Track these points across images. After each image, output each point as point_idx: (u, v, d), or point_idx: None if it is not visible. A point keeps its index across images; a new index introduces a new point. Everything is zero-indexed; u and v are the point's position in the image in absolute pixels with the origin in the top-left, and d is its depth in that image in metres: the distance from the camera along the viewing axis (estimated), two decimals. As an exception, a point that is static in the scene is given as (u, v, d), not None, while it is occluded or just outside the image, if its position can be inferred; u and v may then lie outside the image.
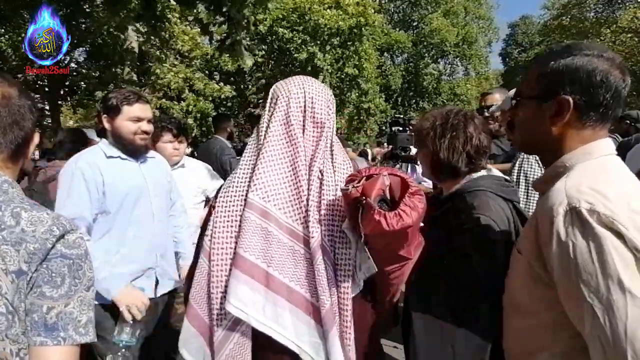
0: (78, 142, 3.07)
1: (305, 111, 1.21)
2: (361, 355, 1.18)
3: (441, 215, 1.43)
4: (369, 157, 9.49)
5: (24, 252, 0.80)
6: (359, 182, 1.04)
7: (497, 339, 1.26)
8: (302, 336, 1.14)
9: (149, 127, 2.05)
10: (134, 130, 1.99)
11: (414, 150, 2.67)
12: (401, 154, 2.84)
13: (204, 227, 1.27)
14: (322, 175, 1.17)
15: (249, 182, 1.18)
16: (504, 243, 1.27)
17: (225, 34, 4.40)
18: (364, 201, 1.01)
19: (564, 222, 0.84)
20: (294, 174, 1.17)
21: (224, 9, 4.10)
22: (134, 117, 1.99)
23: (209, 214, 1.26)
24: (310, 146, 1.20)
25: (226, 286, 1.16)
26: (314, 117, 1.21)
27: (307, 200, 1.15)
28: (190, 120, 11.72)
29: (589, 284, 0.80)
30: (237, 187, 1.21)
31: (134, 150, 2.03)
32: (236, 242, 1.16)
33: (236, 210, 1.18)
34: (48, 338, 0.80)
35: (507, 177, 1.52)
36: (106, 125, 2.00)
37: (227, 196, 1.20)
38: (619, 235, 0.78)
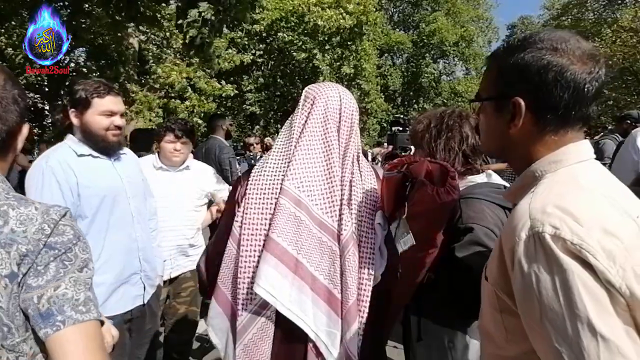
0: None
1: (340, 114, 1.30)
2: (366, 347, 1.22)
3: None
4: (369, 158, 9.47)
5: (15, 253, 0.76)
6: (402, 167, 1.17)
7: None
8: (320, 325, 1.18)
9: (122, 122, 1.90)
10: (106, 126, 1.82)
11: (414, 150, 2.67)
12: (401, 154, 2.84)
13: (230, 216, 1.31)
14: (352, 176, 1.26)
15: (285, 172, 1.23)
16: None
17: (195, 35, 4.32)
18: (415, 180, 1.12)
19: (526, 250, 0.72)
20: (327, 170, 1.24)
21: (199, 9, 4.04)
22: (106, 111, 1.82)
23: (236, 196, 1.31)
24: (343, 148, 1.28)
25: (254, 271, 1.20)
26: (346, 121, 1.30)
27: (341, 196, 1.22)
28: (197, 119, 11.71)
29: (555, 325, 0.68)
30: (269, 176, 1.26)
31: (106, 148, 1.87)
32: (268, 228, 1.20)
33: (268, 198, 1.24)
34: (47, 327, 0.75)
35: (506, 184, 1.50)
36: (74, 120, 1.82)
37: (259, 184, 1.26)
38: (588, 266, 0.66)
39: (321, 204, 1.22)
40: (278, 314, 1.19)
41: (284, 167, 1.25)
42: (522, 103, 0.82)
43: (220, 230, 1.35)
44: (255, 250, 1.22)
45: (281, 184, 1.22)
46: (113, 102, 1.86)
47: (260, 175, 1.27)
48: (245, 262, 1.22)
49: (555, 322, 0.68)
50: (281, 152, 1.29)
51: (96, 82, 1.87)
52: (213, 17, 4.09)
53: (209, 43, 4.41)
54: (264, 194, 1.24)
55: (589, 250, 0.66)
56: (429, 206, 1.12)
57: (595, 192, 0.75)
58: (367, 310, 1.19)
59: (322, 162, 1.25)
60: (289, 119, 1.34)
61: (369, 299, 1.20)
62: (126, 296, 1.88)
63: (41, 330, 0.76)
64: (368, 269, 1.20)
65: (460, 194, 1.40)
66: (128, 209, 1.92)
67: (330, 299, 1.19)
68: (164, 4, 4.34)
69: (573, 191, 0.76)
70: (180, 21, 4.18)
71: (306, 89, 1.37)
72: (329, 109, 1.29)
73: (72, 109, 1.82)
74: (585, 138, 0.87)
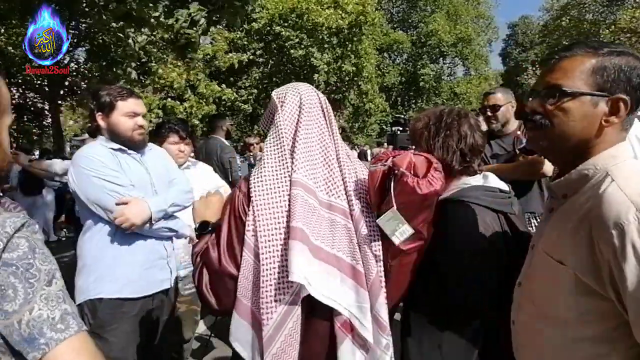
0: None
1: (322, 106, 1.36)
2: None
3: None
4: (369, 158, 9.49)
5: None
6: (386, 161, 1.18)
7: (486, 345, 1.28)
8: (350, 301, 1.21)
9: (145, 122, 2.05)
10: (132, 127, 1.98)
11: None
12: (401, 154, 2.84)
13: (236, 222, 1.26)
14: (345, 158, 1.32)
15: (290, 167, 1.26)
16: (483, 257, 1.28)
17: (181, 35, 4.29)
18: (397, 171, 1.14)
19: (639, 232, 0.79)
20: (324, 157, 1.29)
21: (189, 11, 4.03)
22: (130, 112, 1.97)
23: (237, 207, 1.27)
24: (333, 135, 1.34)
25: (276, 279, 1.20)
26: (328, 113, 1.36)
27: (343, 177, 1.27)
28: (195, 121, 11.74)
29: None
30: (270, 179, 1.27)
31: (133, 147, 2.03)
32: (286, 227, 1.21)
33: (276, 200, 1.24)
34: (34, 351, 0.75)
35: (502, 187, 1.46)
36: (101, 123, 1.98)
37: (263, 189, 1.25)
38: None
39: (325, 189, 1.26)
40: (303, 317, 1.20)
41: (287, 163, 1.27)
42: (629, 102, 0.89)
43: (220, 250, 1.28)
44: (275, 256, 1.21)
45: (290, 178, 1.25)
46: (135, 104, 2.01)
47: (260, 180, 1.26)
48: (267, 270, 1.20)
49: None
50: (276, 154, 1.30)
51: (118, 87, 2.05)
52: (203, 19, 4.07)
53: (193, 43, 4.39)
54: (272, 198, 1.24)
55: None
56: (410, 198, 1.14)
57: None
58: (384, 280, 1.23)
59: (319, 150, 1.30)
60: (274, 122, 1.34)
61: (383, 270, 1.23)
62: (153, 278, 2.00)
63: (29, 354, 0.75)
64: (376, 241, 1.24)
65: (451, 196, 1.39)
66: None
67: (355, 275, 1.22)
68: (151, 5, 4.30)
69: None
70: (170, 21, 4.15)
71: (276, 91, 1.40)
72: (312, 103, 1.34)
73: (99, 113, 1.97)
74: None
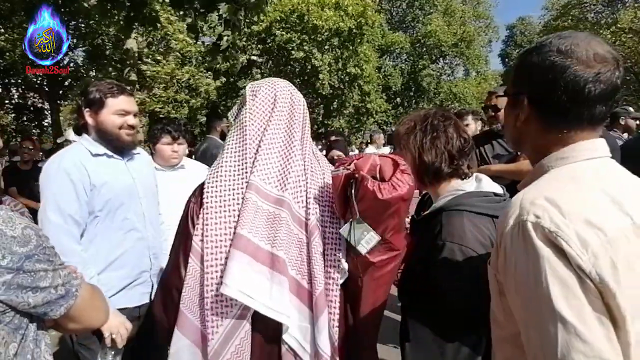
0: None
1: (293, 107, 1.27)
2: (342, 342, 1.18)
3: (420, 238, 1.37)
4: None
5: None
6: (349, 164, 1.10)
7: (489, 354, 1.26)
8: (293, 320, 1.14)
9: (136, 121, 1.93)
10: (120, 125, 1.86)
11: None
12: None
13: (182, 240, 1.20)
14: (311, 165, 1.24)
15: (251, 167, 1.17)
16: (479, 264, 1.25)
17: (219, 36, 4.30)
18: (357, 175, 1.06)
19: (511, 236, 0.79)
20: (285, 159, 1.20)
21: (219, 12, 4.03)
22: (120, 110, 1.86)
23: (189, 214, 1.21)
24: (303, 139, 1.26)
25: (220, 285, 1.12)
26: (299, 114, 1.28)
27: (306, 185, 1.19)
28: (169, 109, 11.36)
29: (528, 305, 0.75)
30: (226, 179, 1.18)
31: (120, 147, 1.91)
32: (233, 231, 1.12)
33: (229, 203, 1.15)
34: (70, 299, 0.99)
35: (497, 191, 1.42)
36: (89, 120, 1.85)
37: (217, 191, 1.17)
38: (562, 253, 0.71)
39: (278, 183, 1.18)
40: (253, 331, 1.13)
41: (247, 163, 1.19)
42: (525, 100, 0.88)
43: (169, 261, 1.24)
44: (221, 263, 1.12)
45: (247, 179, 1.16)
46: (126, 102, 1.89)
47: (215, 180, 1.19)
48: (212, 278, 1.12)
49: (528, 301, 0.75)
50: (236, 152, 1.22)
51: (109, 82, 1.90)
52: (233, 17, 4.06)
53: (233, 43, 4.37)
54: (225, 200, 1.16)
55: (562, 237, 0.71)
56: (372, 204, 1.05)
57: (594, 188, 0.79)
58: (337, 300, 1.14)
59: (283, 151, 1.21)
60: (239, 116, 1.27)
61: (338, 287, 1.15)
62: (134, 292, 1.92)
63: (67, 303, 0.97)
64: (335, 257, 1.16)
65: (444, 205, 1.35)
66: (140, 209, 1.95)
67: (298, 291, 1.14)
68: (183, 12, 4.30)
69: (567, 185, 0.80)
70: (201, 24, 4.16)
71: (252, 84, 1.31)
72: (285, 101, 1.26)
73: (87, 109, 1.86)
74: None
